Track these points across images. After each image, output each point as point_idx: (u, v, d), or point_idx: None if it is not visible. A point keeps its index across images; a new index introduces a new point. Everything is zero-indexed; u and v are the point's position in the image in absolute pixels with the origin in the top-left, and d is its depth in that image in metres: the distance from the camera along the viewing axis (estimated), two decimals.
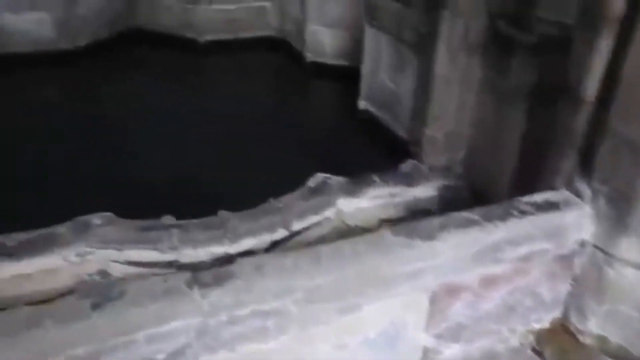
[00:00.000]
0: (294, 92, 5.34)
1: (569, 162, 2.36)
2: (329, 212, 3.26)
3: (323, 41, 5.18)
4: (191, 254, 2.88)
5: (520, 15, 3.05)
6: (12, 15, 4.90)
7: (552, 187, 2.35)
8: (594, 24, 2.12)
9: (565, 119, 2.39)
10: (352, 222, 3.32)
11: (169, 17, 5.62)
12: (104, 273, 2.79)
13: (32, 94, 4.83)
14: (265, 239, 3.04)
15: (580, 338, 2.30)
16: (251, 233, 3.03)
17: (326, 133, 4.50)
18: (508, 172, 3.25)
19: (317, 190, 3.40)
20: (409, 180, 3.55)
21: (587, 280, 2.24)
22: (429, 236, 1.87)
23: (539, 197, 2.18)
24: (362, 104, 4.51)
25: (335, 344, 1.87)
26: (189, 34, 5.60)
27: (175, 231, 2.95)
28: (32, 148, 4.09)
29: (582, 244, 2.21)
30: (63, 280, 2.71)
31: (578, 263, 2.25)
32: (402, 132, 4.05)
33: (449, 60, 3.35)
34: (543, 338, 2.33)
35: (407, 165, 3.68)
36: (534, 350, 2.32)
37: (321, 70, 5.23)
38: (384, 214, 3.39)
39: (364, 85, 4.46)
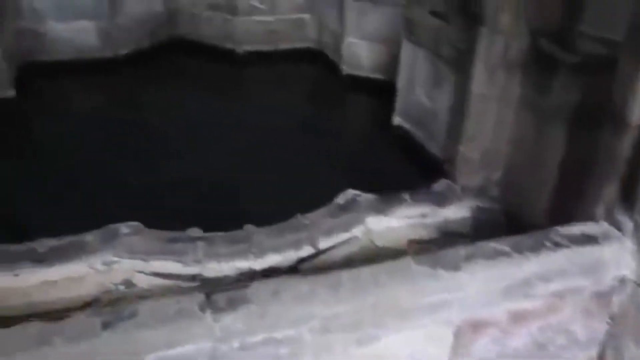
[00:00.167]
0: (328, 104, 5.31)
1: (610, 190, 2.23)
2: (357, 231, 3.20)
3: (360, 54, 5.13)
4: (215, 268, 2.86)
5: (563, 33, 2.93)
6: (58, 24, 5.04)
7: (591, 216, 2.22)
8: None
9: (609, 143, 2.26)
10: (380, 242, 3.24)
11: (209, 27, 5.69)
12: (128, 283, 2.81)
13: (74, 100, 4.97)
14: (291, 256, 3.00)
15: None
16: (276, 249, 3.00)
17: (359, 148, 4.44)
18: (546, 196, 3.11)
19: (345, 207, 3.34)
20: (441, 200, 3.45)
21: (626, 320, 2.09)
22: (454, 267, 1.78)
23: (575, 228, 2.06)
24: (397, 120, 4.43)
25: None
26: (228, 45, 5.66)
27: (200, 244, 2.95)
28: (70, 153, 4.18)
29: (622, 280, 2.07)
30: (88, 289, 2.74)
31: (617, 301, 2.10)
32: (436, 150, 3.95)
33: (487, 78, 3.24)
34: None
35: (439, 185, 3.58)
36: None
37: (357, 83, 5.18)
38: (414, 235, 3.30)
39: (399, 101, 4.38)
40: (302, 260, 3.02)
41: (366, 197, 3.38)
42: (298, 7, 5.69)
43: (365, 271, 1.72)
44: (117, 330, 1.50)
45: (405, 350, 1.82)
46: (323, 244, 3.07)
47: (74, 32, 5.11)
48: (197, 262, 2.85)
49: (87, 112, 4.83)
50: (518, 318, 1.92)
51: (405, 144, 4.30)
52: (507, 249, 1.85)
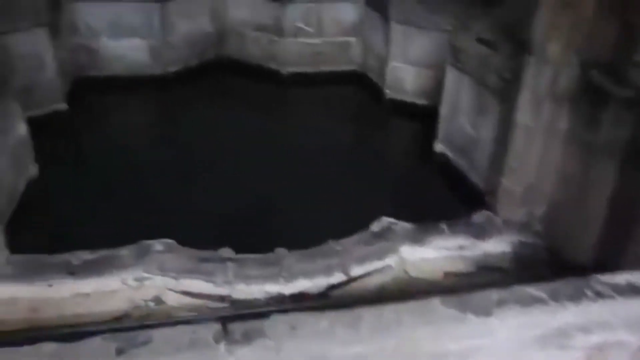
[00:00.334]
0: (370, 128, 5.27)
1: None
2: (391, 260, 3.12)
3: (404, 79, 5.08)
4: (245, 290, 2.85)
5: (615, 64, 2.79)
6: (111, 41, 5.24)
7: None
8: None
9: None
10: (414, 273, 3.14)
11: (255, 48, 5.79)
12: (158, 300, 2.82)
13: (122, 115, 5.13)
14: (321, 282, 2.95)
15: None
16: (307, 274, 2.95)
17: (398, 174, 4.37)
18: (592, 235, 2.95)
19: (380, 235, 3.26)
20: (481, 232, 3.33)
21: None
22: (485, 311, 1.68)
23: (621, 277, 1.91)
24: (438, 147, 4.34)
25: None
26: (273, 65, 5.72)
27: (231, 265, 2.95)
28: (114, 166, 4.29)
29: None
30: (119, 303, 2.77)
31: None
32: (477, 180, 3.84)
33: (533, 109, 3.13)
34: None
35: (479, 216, 3.46)
36: None
37: (400, 107, 5.13)
38: (450, 267, 3.19)
39: (442, 127, 4.29)
40: (332, 286, 2.97)
41: (402, 225, 3.30)
42: (344, 31, 5.71)
43: (389, 310, 1.64)
44: (130, 357, 1.49)
45: None
46: (355, 271, 3.01)
47: (126, 50, 5.30)
48: (227, 283, 2.85)
49: (133, 127, 4.97)
50: None
51: (446, 171, 4.20)
52: (543, 295, 1.73)
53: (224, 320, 1.58)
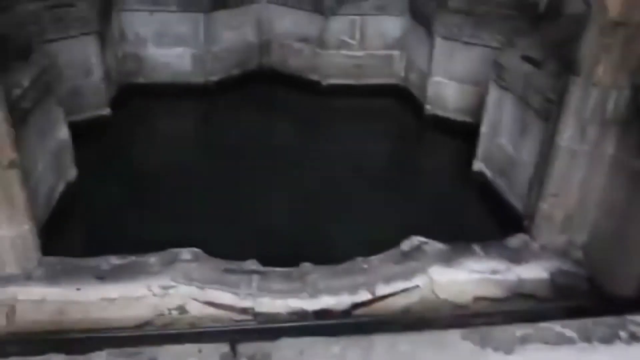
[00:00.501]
0: (409, 143, 5.19)
1: None
2: (419, 280, 3.03)
3: (445, 94, 4.98)
4: (268, 304, 2.83)
5: None
6: (157, 49, 5.36)
7: None
8: None
9: None
10: (443, 295, 3.04)
11: (297, 59, 5.80)
12: (182, 309, 2.84)
13: (163, 122, 5.24)
14: (345, 300, 2.90)
15: None
16: (331, 291, 2.91)
17: (434, 192, 4.27)
18: (636, 267, 2.78)
19: (409, 255, 3.18)
20: (516, 256, 3.19)
21: None
22: (507, 348, 1.58)
23: None
24: (477, 165, 4.21)
25: None
26: (314, 77, 5.72)
27: (255, 277, 2.93)
28: (152, 172, 4.38)
29: None
30: (143, 310, 2.79)
31: None
32: (516, 202, 3.70)
33: (577, 132, 2.98)
34: None
35: (516, 240, 3.32)
36: None
37: (440, 123, 5.02)
38: (481, 292, 3.07)
39: (482, 146, 4.17)
40: (356, 305, 2.91)
41: (433, 245, 3.20)
42: (388, 44, 5.65)
43: (404, 340, 1.57)
44: None
45: None
46: (381, 290, 2.94)
47: (171, 58, 5.41)
48: (251, 295, 2.84)
49: (173, 134, 5.06)
50: None
51: (484, 192, 4.07)
52: (573, 334, 1.62)
53: (233, 341, 1.54)
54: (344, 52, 5.67)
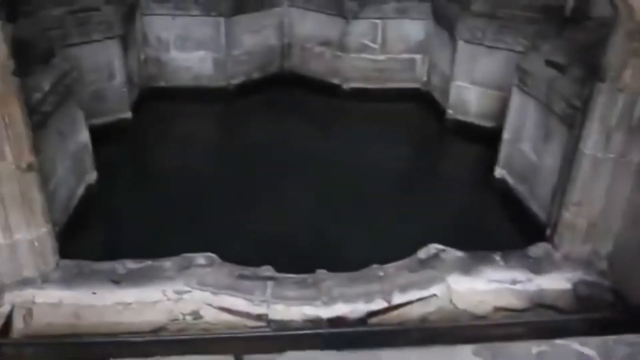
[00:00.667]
0: (429, 148, 5.11)
1: None
2: (437, 289, 2.97)
3: (467, 99, 4.89)
4: (282, 311, 2.81)
5: None
6: (179, 53, 5.40)
7: None
8: None
9: None
10: (461, 305, 2.98)
11: (319, 63, 5.78)
12: (196, 314, 2.83)
13: (184, 124, 5.25)
14: (361, 308, 2.86)
15: None
16: (346, 299, 2.87)
17: (454, 198, 4.19)
18: None
19: (426, 263, 3.12)
20: (538, 266, 3.11)
21: None
22: None
23: None
24: (499, 172, 4.13)
25: None
26: (335, 80, 5.69)
27: (270, 284, 2.91)
28: (171, 174, 4.41)
29: None
30: (158, 315, 2.80)
31: None
32: (538, 210, 3.61)
33: (602, 140, 2.89)
34: None
35: (537, 249, 3.23)
36: None
37: (462, 128, 4.94)
38: (501, 302, 3.00)
39: (503, 152, 4.08)
40: (372, 313, 2.87)
41: (451, 253, 3.14)
42: (410, 48, 5.59)
43: (412, 355, 1.53)
44: None
45: None
46: (397, 299, 2.89)
47: (192, 62, 5.45)
48: (265, 302, 2.82)
49: (193, 136, 5.08)
50: None
51: (505, 199, 3.99)
52: (591, 352, 1.55)
53: (238, 355, 1.52)
54: (365, 55, 5.63)
